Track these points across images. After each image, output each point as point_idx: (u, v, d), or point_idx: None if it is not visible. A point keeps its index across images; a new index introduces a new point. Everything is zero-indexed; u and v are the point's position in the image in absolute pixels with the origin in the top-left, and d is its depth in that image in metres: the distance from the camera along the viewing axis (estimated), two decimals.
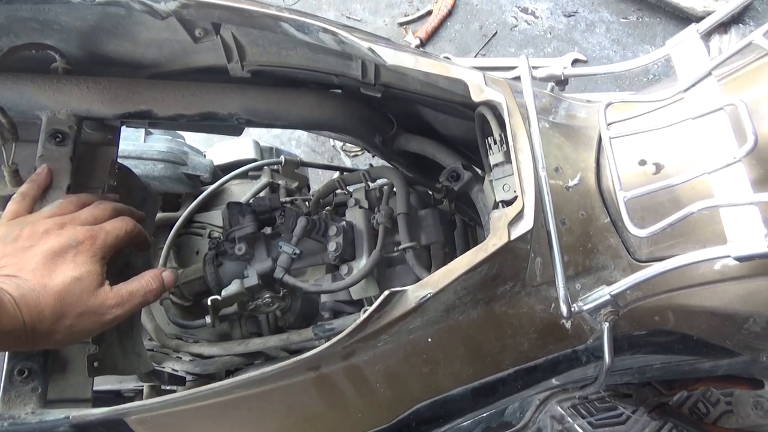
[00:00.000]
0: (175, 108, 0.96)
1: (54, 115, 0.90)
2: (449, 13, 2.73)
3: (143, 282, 0.83)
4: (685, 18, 2.45)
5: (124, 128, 1.03)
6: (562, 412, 1.12)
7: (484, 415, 0.88)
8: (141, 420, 0.66)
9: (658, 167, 0.82)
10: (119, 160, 1.02)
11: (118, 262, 0.92)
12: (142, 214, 0.94)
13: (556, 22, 2.61)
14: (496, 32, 2.64)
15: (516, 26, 2.63)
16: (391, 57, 0.78)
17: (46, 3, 0.83)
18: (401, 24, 2.79)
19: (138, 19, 0.87)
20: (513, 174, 0.76)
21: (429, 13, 2.77)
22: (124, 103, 0.94)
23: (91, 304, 0.75)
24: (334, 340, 0.64)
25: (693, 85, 0.74)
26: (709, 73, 0.73)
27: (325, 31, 0.78)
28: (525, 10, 2.66)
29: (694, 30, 0.76)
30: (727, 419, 1.16)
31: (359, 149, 2.41)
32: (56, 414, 0.68)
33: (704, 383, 1.13)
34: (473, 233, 1.36)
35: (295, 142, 2.55)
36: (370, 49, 0.77)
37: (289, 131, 2.57)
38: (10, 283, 0.70)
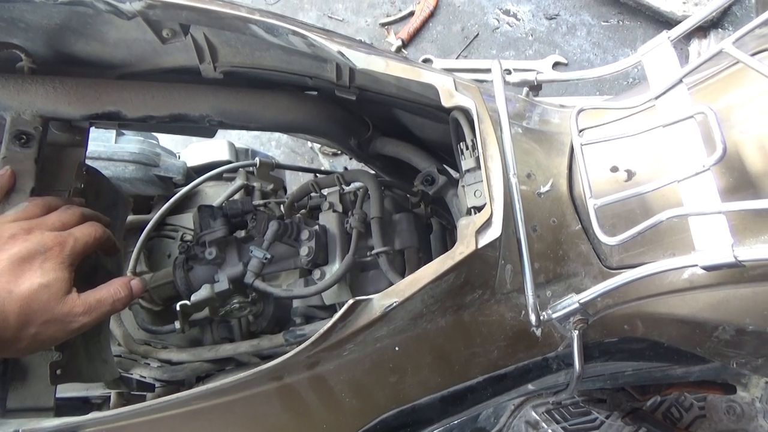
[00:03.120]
0: (145, 109, 0.94)
1: (18, 116, 0.88)
2: (431, 14, 2.72)
3: (111, 290, 0.81)
4: (665, 22, 2.47)
5: (94, 129, 1.01)
6: (537, 417, 1.12)
7: (456, 421, 0.87)
8: None
9: (630, 174, 0.81)
10: (88, 162, 1.00)
11: (85, 267, 0.90)
12: (108, 219, 0.92)
13: (537, 24, 2.61)
14: (477, 34, 2.64)
15: (498, 28, 2.63)
16: (361, 61, 0.77)
17: (9, 2, 0.81)
18: (383, 24, 2.78)
19: (106, 18, 0.85)
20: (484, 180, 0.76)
21: (411, 14, 2.76)
22: (92, 104, 0.92)
23: (57, 312, 0.73)
24: (297, 349, 0.63)
25: (664, 93, 0.74)
26: (680, 81, 0.73)
27: (295, 33, 0.77)
28: (507, 12, 2.66)
29: (665, 37, 0.76)
30: (700, 424, 1.17)
31: (338, 149, 2.39)
32: (9, 426, 0.65)
33: (677, 388, 1.13)
34: (452, 236, 1.35)
35: (275, 143, 2.53)
36: (340, 53, 0.75)
37: (267, 134, 2.55)
38: None
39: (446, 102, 0.74)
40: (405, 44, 2.70)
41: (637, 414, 1.13)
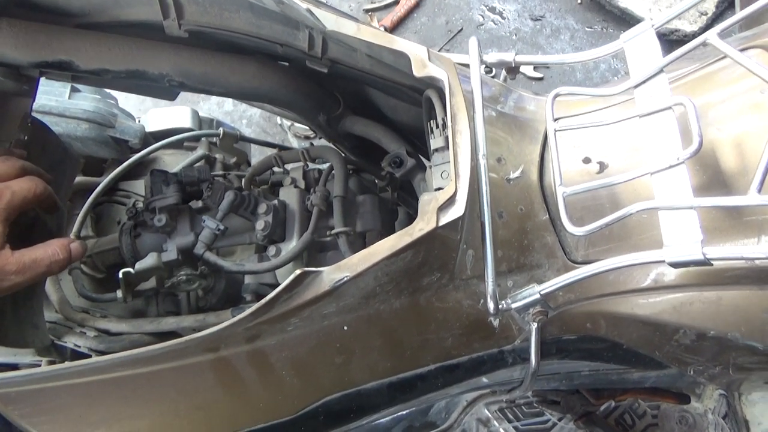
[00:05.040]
0: (100, 62, 0.88)
1: None
2: (417, 5, 2.68)
3: (49, 251, 0.75)
4: None
5: (46, 82, 0.95)
6: (489, 414, 1.09)
7: (405, 412, 0.83)
8: (5, 396, 0.58)
9: (602, 166, 0.79)
10: (37, 115, 0.94)
11: (21, 224, 0.84)
12: (50, 177, 0.86)
13: (522, 24, 2.59)
14: (462, 29, 2.61)
15: (482, 25, 2.61)
16: (331, 22, 0.73)
17: None
18: (367, 11, 2.74)
19: None
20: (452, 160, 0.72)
21: (396, 2, 2.72)
22: (41, 51, 0.85)
23: None
24: (235, 319, 0.58)
25: (643, 82, 0.71)
26: (661, 71, 0.70)
27: None
28: (493, 10, 2.64)
29: (649, 25, 0.73)
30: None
31: (309, 132, 2.34)
32: None
33: (632, 394, 1.11)
34: None
35: (246, 122, 2.47)
36: (309, 11, 0.71)
37: (241, 110, 2.48)
38: None
39: (418, 72, 0.70)
40: (388, 32, 2.66)
41: (590, 418, 1.11)
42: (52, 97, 1.12)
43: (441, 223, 0.61)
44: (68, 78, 0.96)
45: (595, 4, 2.56)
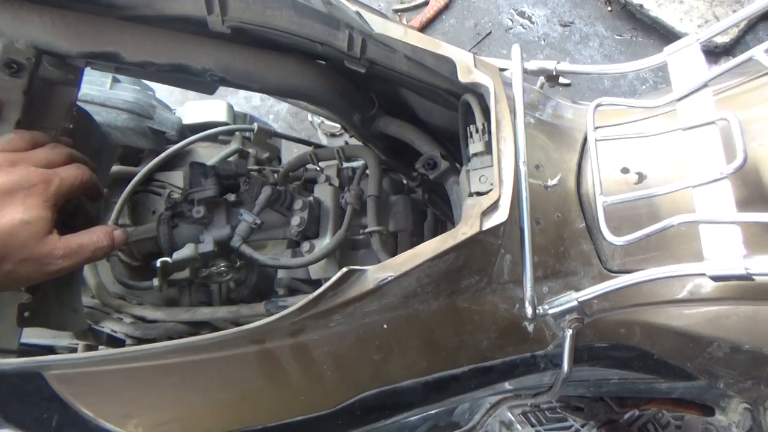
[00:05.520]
0: (145, 54, 0.90)
1: (11, 44, 0.83)
2: (446, 6, 2.69)
3: (94, 237, 0.77)
4: None
5: (89, 71, 0.97)
6: (512, 418, 1.10)
7: (432, 412, 0.84)
8: (61, 376, 0.60)
9: (641, 177, 0.79)
10: (79, 104, 0.96)
11: (66, 210, 0.86)
12: (94, 165, 0.88)
13: (551, 29, 2.59)
14: (490, 32, 2.61)
15: (511, 29, 2.61)
16: (378, 25, 0.74)
17: None
18: (396, 11, 2.75)
19: None
20: (492, 165, 0.73)
21: (426, 3, 2.72)
22: (90, 42, 0.87)
23: (36, 251, 0.70)
24: (283, 313, 0.59)
25: (687, 96, 0.71)
26: (705, 85, 0.71)
27: None
28: (522, 14, 2.63)
29: (694, 38, 0.74)
30: None
31: (338, 130, 2.35)
32: None
33: (656, 404, 1.11)
34: (443, 228, 1.33)
35: (273, 117, 2.49)
36: (358, 13, 0.72)
37: (268, 105, 2.50)
38: None
39: (463, 78, 0.71)
40: None
41: (613, 426, 1.11)
42: (94, 87, 1.15)
43: (484, 228, 0.62)
44: (112, 69, 0.98)
45: (625, 12, 2.54)
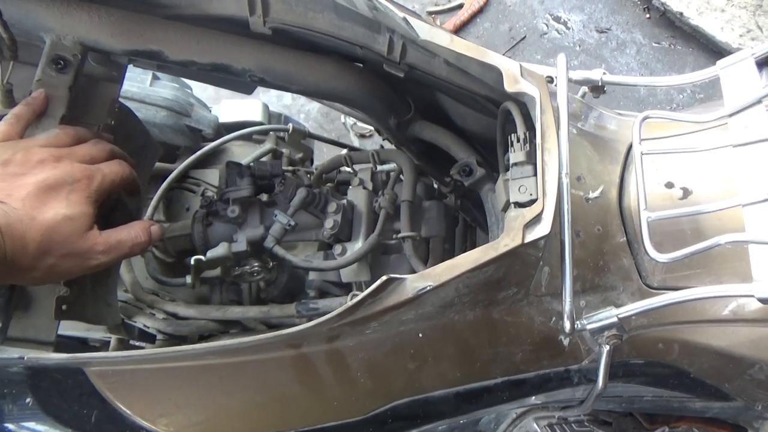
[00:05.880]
0: (188, 53, 0.91)
1: (59, 40, 0.85)
2: (480, 10, 2.67)
3: (132, 233, 0.78)
4: (717, 52, 2.40)
5: (130, 68, 0.98)
6: (538, 429, 1.08)
7: (461, 422, 0.84)
8: (102, 373, 0.61)
9: (686, 192, 0.77)
10: (122, 101, 0.97)
11: (105, 206, 0.88)
12: (134, 161, 0.89)
13: (587, 36, 2.55)
14: (525, 36, 2.58)
15: (546, 34, 2.58)
16: (424, 31, 0.73)
17: None
18: (430, 13, 2.74)
19: None
20: (532, 176, 0.72)
21: (460, 6, 2.71)
22: (135, 40, 0.88)
23: (78, 246, 0.71)
24: (321, 319, 0.59)
25: (740, 111, 0.69)
26: (759, 101, 0.69)
27: None
28: (557, 19, 2.60)
29: (749, 53, 0.72)
30: None
31: (368, 131, 2.35)
32: (12, 352, 0.62)
33: (687, 422, 1.09)
34: (472, 235, 1.31)
35: (304, 116, 2.49)
36: (405, 20, 0.72)
37: (299, 104, 2.51)
38: None
39: (510, 87, 0.70)
40: None
41: None
42: (134, 84, 1.16)
43: (527, 241, 0.61)
44: (154, 67, 0.99)
45: (664, 20, 2.50)
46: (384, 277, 0.59)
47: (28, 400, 0.61)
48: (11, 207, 0.67)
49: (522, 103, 0.78)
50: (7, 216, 0.65)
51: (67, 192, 0.71)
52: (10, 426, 0.67)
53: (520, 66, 0.71)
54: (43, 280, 0.72)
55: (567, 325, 0.67)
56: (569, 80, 0.82)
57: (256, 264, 0.96)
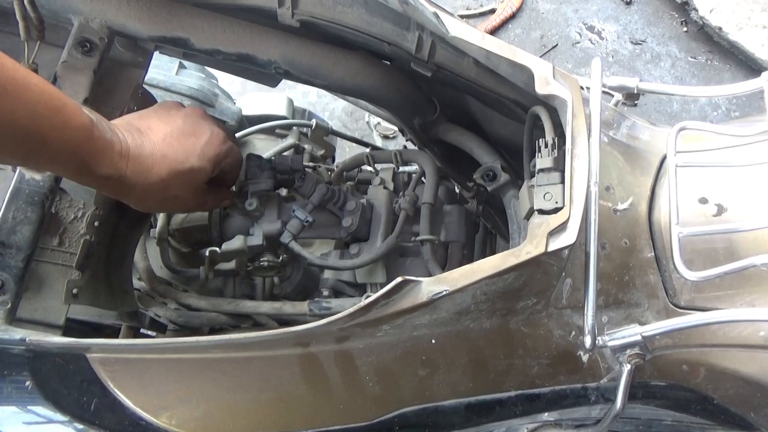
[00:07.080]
0: (214, 42, 0.90)
1: (86, 23, 0.85)
2: (513, 15, 2.63)
3: (220, 195, 0.92)
4: (756, 69, 2.33)
5: (157, 55, 0.98)
6: None
7: None
8: (104, 360, 0.60)
9: (720, 209, 0.74)
10: (145, 87, 0.96)
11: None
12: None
13: (621, 47, 2.50)
14: (556, 44, 2.54)
15: (578, 43, 2.53)
16: (455, 28, 0.71)
17: None
18: (462, 17, 2.71)
19: None
20: (559, 183, 0.69)
21: (492, 11, 2.68)
22: (162, 26, 0.88)
23: (190, 197, 0.80)
24: (331, 318, 0.57)
25: None
26: None
27: None
28: (591, 29, 2.55)
29: None
30: None
31: (392, 132, 2.33)
32: (15, 333, 0.62)
33: None
34: (492, 243, 1.29)
35: (329, 114, 2.48)
36: (435, 14, 0.69)
37: (324, 102, 2.50)
38: (134, 138, 0.71)
39: (540, 89, 0.67)
40: None
41: None
42: (161, 71, 1.16)
43: (550, 249, 0.58)
44: (180, 54, 0.98)
45: (702, 34, 2.44)
46: (399, 279, 0.56)
47: (27, 383, 0.60)
48: (149, 140, 0.73)
49: (552, 108, 0.75)
50: (140, 148, 0.71)
51: (204, 144, 0.78)
52: (13, 408, 0.66)
53: (553, 67, 0.68)
54: (149, 209, 0.85)
55: (587, 341, 0.64)
56: (603, 86, 0.79)
57: (270, 259, 0.94)
